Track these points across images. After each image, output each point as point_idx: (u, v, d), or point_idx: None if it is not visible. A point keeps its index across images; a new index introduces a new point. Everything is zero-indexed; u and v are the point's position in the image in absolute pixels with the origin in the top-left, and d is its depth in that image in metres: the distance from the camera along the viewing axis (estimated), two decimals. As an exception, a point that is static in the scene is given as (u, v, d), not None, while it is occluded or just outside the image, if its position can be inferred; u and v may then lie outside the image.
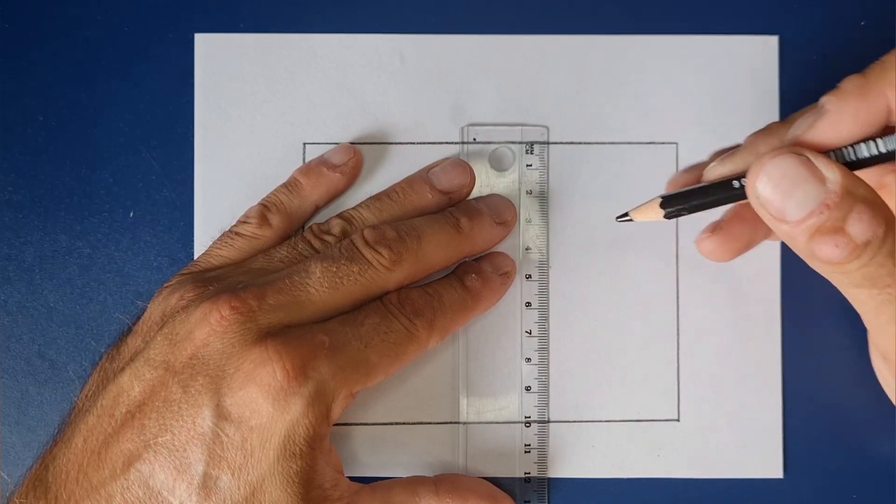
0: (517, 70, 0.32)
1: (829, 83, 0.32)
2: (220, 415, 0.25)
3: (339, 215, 0.30)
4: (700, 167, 0.28)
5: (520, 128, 0.31)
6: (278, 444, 0.25)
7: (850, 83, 0.23)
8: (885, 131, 0.24)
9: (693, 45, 0.32)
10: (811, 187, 0.22)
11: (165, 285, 0.29)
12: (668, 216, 0.26)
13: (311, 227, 0.29)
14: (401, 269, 0.28)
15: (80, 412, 0.27)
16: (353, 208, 0.30)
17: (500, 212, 0.30)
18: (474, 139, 0.31)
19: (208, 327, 0.25)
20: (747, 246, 0.29)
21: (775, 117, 0.32)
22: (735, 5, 0.32)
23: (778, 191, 0.23)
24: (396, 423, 0.31)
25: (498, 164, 0.31)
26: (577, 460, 0.31)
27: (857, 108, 0.23)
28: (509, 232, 0.31)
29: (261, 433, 0.25)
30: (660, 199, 0.26)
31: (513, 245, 0.31)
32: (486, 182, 0.31)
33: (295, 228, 0.30)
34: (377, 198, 0.30)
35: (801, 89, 0.32)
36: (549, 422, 0.31)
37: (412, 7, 0.32)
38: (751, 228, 0.29)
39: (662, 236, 0.32)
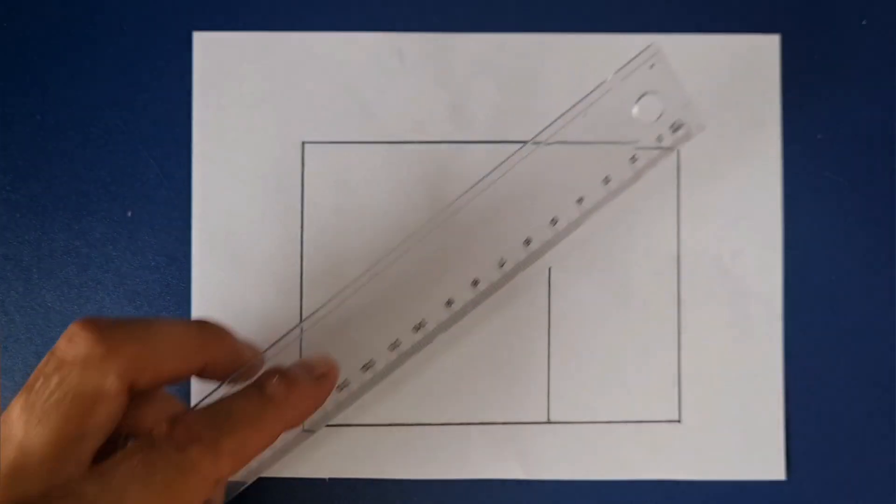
0: (517, 69, 0.32)
1: (830, 82, 0.32)
2: None
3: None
4: None
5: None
6: None
7: None
8: None
9: (693, 44, 0.32)
10: None
11: None
12: None
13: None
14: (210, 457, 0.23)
15: None
16: None
17: (314, 367, 0.26)
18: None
19: None
20: None
21: (776, 117, 0.32)
22: (735, 4, 0.32)
23: None
24: (396, 424, 0.31)
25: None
26: (577, 462, 0.31)
27: None
28: (332, 389, 0.26)
29: None
30: None
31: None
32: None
33: None
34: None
35: (802, 89, 0.32)
36: (549, 423, 0.31)
37: (412, 5, 0.32)
38: None
39: (663, 236, 0.31)
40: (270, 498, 0.30)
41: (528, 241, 0.29)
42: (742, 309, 0.31)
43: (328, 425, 0.30)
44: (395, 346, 0.28)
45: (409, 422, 0.31)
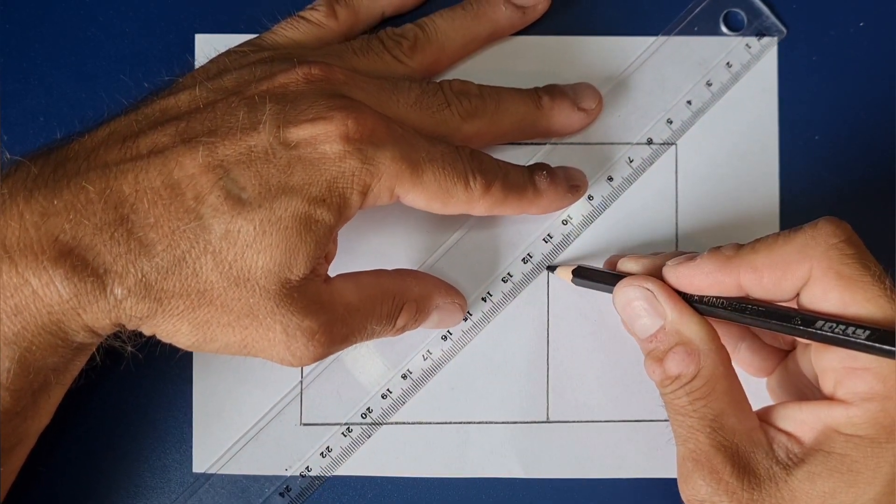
0: (518, 70, 0.32)
1: (828, 83, 0.32)
2: (277, 137, 0.24)
3: (414, 23, 0.30)
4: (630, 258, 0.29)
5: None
6: (319, 187, 0.25)
7: (725, 250, 0.26)
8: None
9: (693, 45, 0.32)
10: (648, 320, 0.26)
11: (227, 50, 0.29)
12: (574, 283, 0.30)
13: (385, 30, 0.30)
14: (472, 123, 0.28)
15: (112, 119, 0.26)
16: (428, 17, 0.30)
17: (584, 98, 0.31)
18: None
19: (294, 76, 0.26)
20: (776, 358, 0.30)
21: (774, 117, 0.32)
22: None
23: (625, 313, 0.27)
24: (396, 422, 0.31)
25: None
26: (576, 460, 0.31)
27: (711, 273, 0.26)
28: (590, 121, 0.31)
29: (308, 167, 0.24)
30: (575, 266, 0.30)
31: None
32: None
33: (360, 29, 0.31)
34: (451, 8, 0.31)
35: (800, 90, 0.32)
36: (548, 422, 0.31)
37: (421, 8, 0.32)
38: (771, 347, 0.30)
39: (661, 235, 0.32)
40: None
41: (650, 141, 0.32)
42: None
43: (327, 424, 0.31)
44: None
45: (409, 420, 0.31)
